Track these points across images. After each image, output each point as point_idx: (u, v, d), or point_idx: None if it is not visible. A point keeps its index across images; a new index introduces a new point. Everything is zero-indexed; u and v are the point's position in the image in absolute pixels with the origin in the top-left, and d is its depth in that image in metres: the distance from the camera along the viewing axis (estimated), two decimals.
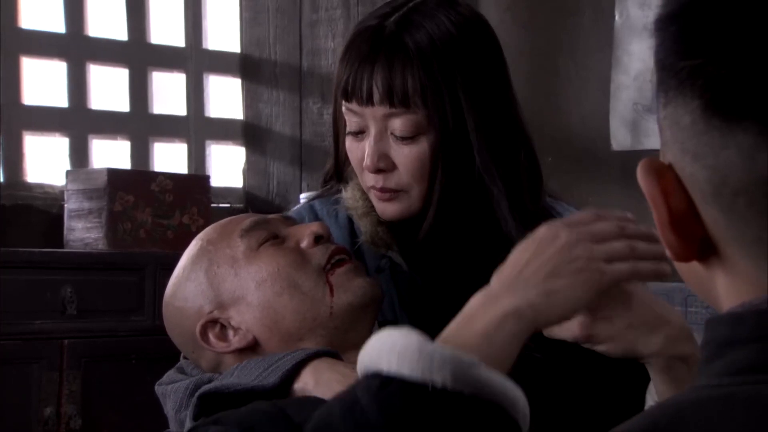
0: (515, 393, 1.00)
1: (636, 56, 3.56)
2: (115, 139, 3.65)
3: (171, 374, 1.45)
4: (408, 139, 1.46)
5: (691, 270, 0.78)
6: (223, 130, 3.85)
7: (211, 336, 1.39)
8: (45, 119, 3.48)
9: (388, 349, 0.99)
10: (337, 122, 1.55)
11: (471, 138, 1.47)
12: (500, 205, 1.47)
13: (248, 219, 1.44)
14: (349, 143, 1.51)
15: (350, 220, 1.57)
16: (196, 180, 3.44)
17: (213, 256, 1.41)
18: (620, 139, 3.62)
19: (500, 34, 1.56)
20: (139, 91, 3.68)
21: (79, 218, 3.17)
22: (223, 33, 3.88)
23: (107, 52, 3.62)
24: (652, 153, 0.79)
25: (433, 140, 1.46)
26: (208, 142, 3.82)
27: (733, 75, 0.69)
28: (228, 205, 3.73)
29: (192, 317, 1.40)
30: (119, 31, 3.65)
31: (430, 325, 1.11)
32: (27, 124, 3.43)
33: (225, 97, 3.87)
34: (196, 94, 3.80)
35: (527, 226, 1.27)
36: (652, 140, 3.42)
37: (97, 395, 2.93)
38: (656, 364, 1.21)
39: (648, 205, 0.77)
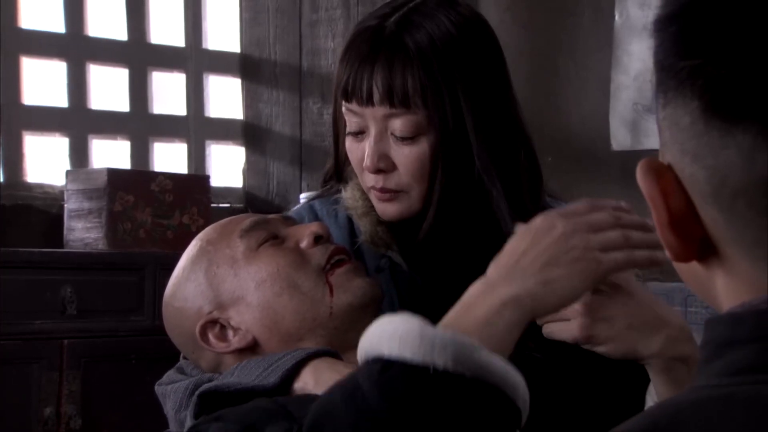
0: (516, 378, 1.00)
1: (636, 56, 3.56)
2: (115, 139, 3.65)
3: (171, 374, 1.45)
4: (408, 139, 1.46)
5: (690, 270, 0.78)
6: (223, 130, 3.85)
7: (210, 336, 1.39)
8: (45, 119, 3.48)
9: (389, 334, 1.00)
10: (337, 122, 1.55)
11: (471, 138, 1.47)
12: (500, 205, 1.47)
13: (248, 219, 1.44)
14: (349, 143, 1.51)
15: (350, 220, 1.57)
16: (196, 180, 3.44)
17: (212, 257, 1.41)
18: (620, 139, 3.62)
19: (500, 34, 1.55)
20: (139, 91, 3.68)
21: (79, 218, 3.17)
22: (223, 33, 3.88)
23: (107, 52, 3.62)
24: (652, 153, 0.79)
25: (433, 140, 1.46)
26: (208, 142, 3.82)
27: (733, 75, 0.69)
28: (228, 205, 3.73)
29: (192, 317, 1.40)
30: (119, 31, 3.65)
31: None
32: (27, 124, 3.43)
33: (225, 97, 3.87)
34: (196, 94, 3.80)
35: None
36: (652, 140, 3.42)
37: (97, 395, 2.93)
38: (656, 365, 1.21)
39: (648, 205, 0.77)
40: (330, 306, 1.38)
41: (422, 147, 1.47)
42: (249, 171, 3.85)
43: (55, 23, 3.52)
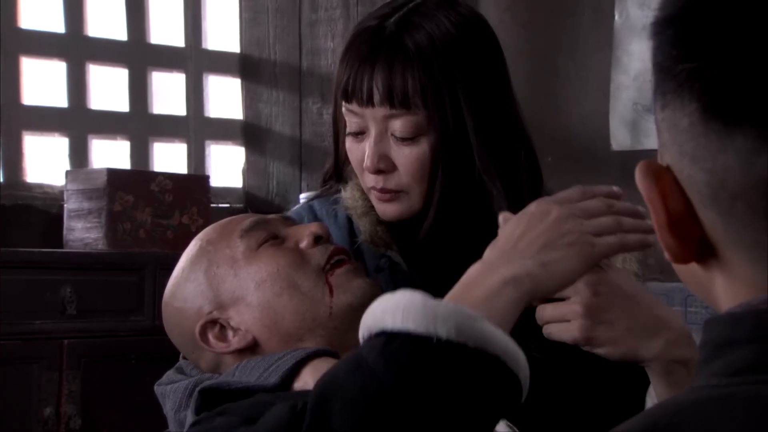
0: (517, 351, 1.02)
1: (636, 56, 3.56)
2: (115, 139, 3.65)
3: (170, 374, 1.45)
4: (408, 140, 1.46)
5: (689, 271, 0.78)
6: (223, 130, 3.85)
7: (210, 336, 1.39)
8: (45, 119, 3.48)
9: (393, 308, 1.02)
10: (337, 122, 1.55)
11: (471, 138, 1.47)
12: (500, 205, 1.47)
13: (248, 219, 1.44)
14: (349, 144, 1.51)
15: (349, 220, 1.57)
16: (196, 180, 3.44)
17: (212, 257, 1.41)
18: (620, 139, 3.62)
19: (500, 34, 1.56)
20: (139, 91, 3.68)
21: (79, 218, 3.17)
22: (223, 33, 3.88)
23: (107, 52, 3.62)
24: (652, 153, 0.79)
25: (433, 141, 1.46)
26: (207, 142, 3.82)
27: (731, 78, 0.69)
28: (228, 205, 3.73)
29: (191, 318, 1.40)
30: (119, 31, 3.65)
31: None
32: (27, 124, 3.43)
33: (225, 97, 3.87)
34: (195, 94, 3.80)
35: None
36: (651, 140, 3.42)
37: (97, 395, 2.93)
38: (656, 368, 1.21)
39: (647, 206, 0.77)
40: (330, 306, 1.38)
41: (422, 147, 1.47)
42: (249, 171, 3.85)
43: (55, 23, 3.52)
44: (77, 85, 3.53)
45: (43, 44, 3.48)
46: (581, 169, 3.62)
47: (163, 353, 1.70)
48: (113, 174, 3.15)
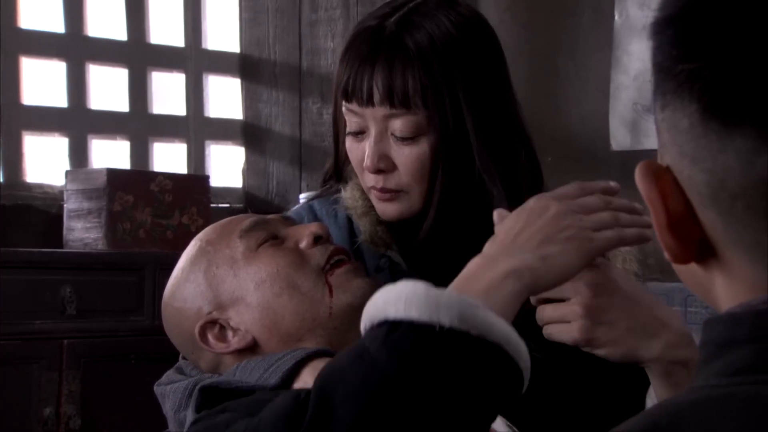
0: (518, 341, 1.03)
1: (635, 56, 3.56)
2: (115, 139, 3.65)
3: (170, 375, 1.45)
4: (408, 139, 1.46)
5: (689, 272, 0.78)
6: (223, 130, 3.85)
7: (210, 337, 1.39)
8: (44, 119, 3.48)
9: (395, 297, 1.02)
10: (337, 122, 1.55)
11: (471, 138, 1.47)
12: (500, 205, 1.47)
13: (247, 219, 1.44)
14: (349, 143, 1.51)
15: (349, 220, 1.57)
16: (196, 180, 3.44)
17: (212, 257, 1.41)
18: (620, 139, 3.62)
19: (500, 34, 1.55)
20: (139, 91, 3.68)
21: (79, 218, 3.17)
22: (223, 33, 3.88)
23: (107, 52, 3.62)
24: (652, 153, 0.79)
25: (433, 141, 1.46)
26: (207, 142, 3.82)
27: (731, 79, 0.69)
28: (227, 205, 3.73)
29: (191, 318, 1.40)
30: (119, 31, 3.65)
31: None
32: (26, 124, 3.43)
33: (224, 97, 3.87)
34: (195, 94, 3.80)
35: None
36: (651, 140, 3.42)
37: (97, 395, 2.93)
38: (656, 369, 1.21)
39: (647, 206, 0.77)
40: (329, 306, 1.38)
41: (422, 147, 1.47)
42: (248, 171, 3.85)
43: (55, 23, 3.52)
44: (77, 85, 3.53)
45: (43, 44, 3.48)
46: (581, 169, 3.62)
47: (162, 353, 1.70)
48: (113, 174, 3.15)
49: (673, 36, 0.73)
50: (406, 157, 1.47)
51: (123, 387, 2.94)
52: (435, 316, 1.00)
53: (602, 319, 1.18)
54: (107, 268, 3.03)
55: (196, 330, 1.39)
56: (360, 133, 1.49)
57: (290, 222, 1.49)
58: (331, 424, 0.99)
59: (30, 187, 3.38)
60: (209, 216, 3.24)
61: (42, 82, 3.50)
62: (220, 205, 3.67)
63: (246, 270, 1.39)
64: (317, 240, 1.42)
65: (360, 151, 1.49)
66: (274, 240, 1.42)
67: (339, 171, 1.60)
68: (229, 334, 1.39)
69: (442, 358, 1.00)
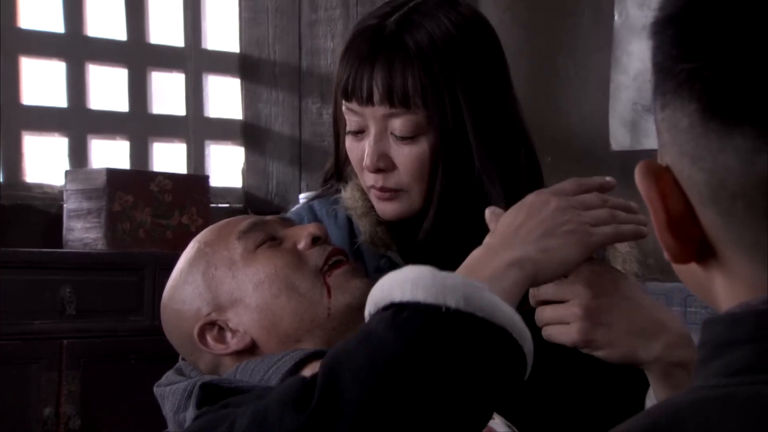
0: (522, 325, 1.04)
1: (635, 56, 3.56)
2: (114, 139, 3.65)
3: (170, 376, 1.45)
4: (408, 139, 1.46)
5: (689, 272, 0.78)
6: (223, 130, 3.85)
7: (209, 338, 1.39)
8: (44, 119, 3.48)
9: (401, 281, 1.04)
10: (338, 122, 1.55)
11: (470, 138, 1.47)
12: (499, 205, 1.47)
13: (245, 221, 1.44)
14: (349, 143, 1.51)
15: (349, 220, 1.57)
16: (196, 180, 3.44)
17: (210, 259, 1.41)
18: (620, 139, 3.62)
19: (500, 34, 1.55)
20: (139, 91, 3.68)
21: (79, 218, 3.17)
22: (223, 33, 3.88)
23: (106, 52, 3.62)
24: (652, 153, 0.79)
25: (432, 140, 1.46)
26: (207, 142, 3.82)
27: (731, 78, 0.69)
28: (227, 205, 3.73)
29: (190, 320, 1.40)
30: (118, 31, 3.65)
31: None
32: (26, 124, 3.43)
33: (224, 97, 3.87)
34: (195, 94, 3.80)
35: None
36: (651, 140, 3.42)
37: (96, 395, 2.93)
38: (655, 371, 1.21)
39: (647, 206, 0.77)
40: (328, 307, 1.38)
41: (422, 147, 1.47)
42: (248, 171, 3.85)
43: (55, 23, 3.52)
44: (77, 85, 3.53)
45: (42, 44, 3.48)
46: (581, 169, 3.61)
47: (162, 353, 1.70)
48: (113, 174, 3.15)
49: (673, 36, 0.73)
50: (406, 156, 1.47)
51: (123, 387, 2.94)
52: (441, 297, 1.01)
53: (601, 321, 1.18)
54: (107, 268, 3.03)
55: (195, 331, 1.39)
56: (360, 133, 1.49)
57: (288, 223, 1.49)
58: (339, 404, 1.00)
59: (30, 187, 3.38)
60: (209, 216, 3.24)
61: (42, 82, 3.50)
62: (220, 205, 3.67)
63: (244, 271, 1.39)
64: (315, 241, 1.42)
65: (360, 151, 1.49)
66: (272, 241, 1.42)
67: (339, 171, 1.60)
68: (228, 335, 1.39)
69: (449, 338, 1.01)
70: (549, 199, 1.17)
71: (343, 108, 1.50)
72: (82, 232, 3.16)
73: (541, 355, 1.11)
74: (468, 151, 1.48)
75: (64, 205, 3.22)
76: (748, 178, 0.70)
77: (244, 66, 3.86)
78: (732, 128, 0.70)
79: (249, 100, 3.86)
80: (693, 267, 0.77)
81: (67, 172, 3.28)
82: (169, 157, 3.76)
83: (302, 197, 2.92)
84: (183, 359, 1.47)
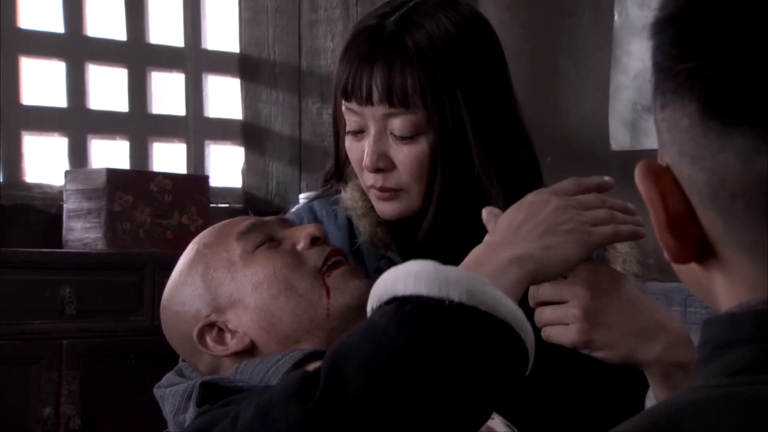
0: (525, 320, 1.05)
1: (635, 56, 3.56)
2: (114, 139, 3.65)
3: (170, 377, 1.45)
4: (407, 138, 1.46)
5: (689, 272, 0.78)
6: (222, 130, 3.85)
7: (208, 339, 1.39)
8: (44, 119, 3.48)
9: (404, 275, 1.05)
10: (337, 122, 1.55)
11: (469, 138, 1.47)
12: (498, 206, 1.47)
13: (244, 222, 1.44)
14: (349, 142, 1.51)
15: (349, 221, 1.57)
16: (195, 180, 3.44)
17: (209, 260, 1.41)
18: (619, 139, 3.62)
19: (500, 34, 1.55)
20: (138, 91, 3.68)
21: (78, 218, 3.17)
22: (222, 33, 3.88)
23: (106, 52, 3.62)
24: (652, 153, 0.79)
25: (432, 140, 1.46)
26: (207, 142, 3.82)
27: (731, 78, 0.69)
28: (227, 206, 3.73)
29: (189, 321, 1.40)
30: (118, 31, 3.65)
31: None
32: (26, 124, 3.43)
33: (224, 97, 3.87)
34: (195, 94, 3.80)
35: None
36: (651, 140, 3.42)
37: (96, 395, 2.93)
38: (655, 372, 1.21)
39: (647, 206, 0.77)
40: (327, 307, 1.38)
41: (421, 146, 1.47)
42: (248, 171, 3.85)
43: (54, 23, 3.51)
44: (76, 85, 3.53)
45: (42, 44, 3.48)
46: (581, 169, 3.61)
47: (162, 353, 1.70)
48: (113, 174, 3.15)
49: (673, 35, 0.73)
50: (405, 156, 1.47)
51: (122, 387, 2.94)
52: (444, 291, 1.02)
53: (600, 322, 1.18)
54: (107, 268, 3.03)
55: (195, 333, 1.39)
56: (359, 132, 1.49)
57: (287, 224, 1.49)
58: (343, 396, 1.01)
59: (29, 187, 3.38)
60: (209, 216, 3.24)
61: (41, 82, 3.50)
62: (220, 205, 3.66)
63: (243, 272, 1.39)
64: (314, 241, 1.42)
65: (359, 150, 1.49)
66: (271, 242, 1.42)
67: (340, 171, 1.60)
68: (228, 336, 1.39)
69: (452, 331, 1.02)
70: (549, 199, 1.18)
71: (343, 108, 1.50)
72: (82, 232, 3.16)
73: (541, 356, 1.11)
74: (467, 151, 1.48)
75: (64, 205, 3.22)
76: (748, 178, 0.70)
77: (244, 66, 3.85)
78: (732, 128, 0.70)
79: (249, 100, 3.86)
80: (693, 267, 0.77)
81: (67, 172, 3.28)
82: (169, 157, 3.76)
83: (302, 197, 2.92)
84: (183, 360, 1.47)
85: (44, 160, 3.47)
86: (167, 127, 3.75)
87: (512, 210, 1.19)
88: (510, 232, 1.15)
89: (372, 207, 1.53)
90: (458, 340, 1.02)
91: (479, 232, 1.49)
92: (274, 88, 3.84)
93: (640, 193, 0.77)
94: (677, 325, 1.22)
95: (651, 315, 1.21)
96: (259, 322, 1.38)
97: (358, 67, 1.46)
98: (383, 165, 1.48)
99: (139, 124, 3.66)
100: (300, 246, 1.42)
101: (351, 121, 1.49)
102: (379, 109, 1.46)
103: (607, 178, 1.25)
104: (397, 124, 1.46)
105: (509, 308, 1.04)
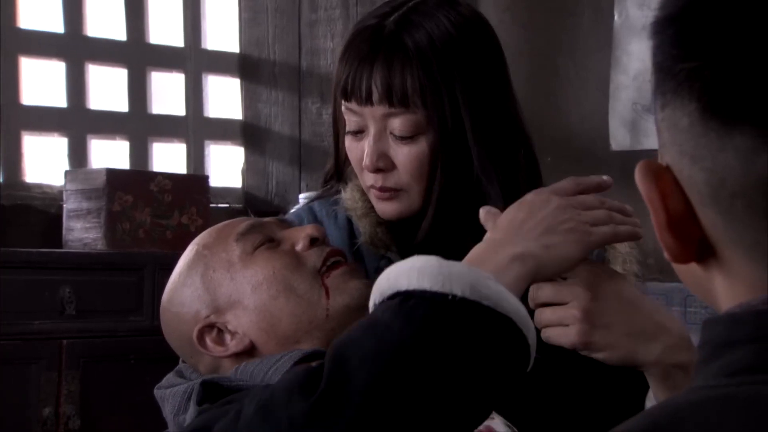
0: (527, 316, 1.06)
1: (635, 56, 3.56)
2: (114, 139, 3.64)
3: (170, 378, 1.45)
4: (407, 138, 1.46)
5: (689, 272, 0.78)
6: (222, 130, 3.85)
7: (208, 340, 1.39)
8: (44, 119, 3.48)
9: (407, 270, 1.06)
10: (337, 122, 1.55)
11: (469, 138, 1.47)
12: (497, 206, 1.47)
13: (243, 223, 1.44)
14: (349, 142, 1.51)
15: (349, 221, 1.57)
16: (195, 180, 3.44)
17: (209, 261, 1.41)
18: (619, 139, 3.62)
19: (500, 34, 1.55)
20: (138, 91, 3.67)
21: (78, 218, 3.17)
22: (222, 33, 3.88)
23: (106, 52, 3.62)
24: (652, 153, 0.79)
25: (432, 140, 1.46)
26: (207, 142, 3.82)
27: (731, 78, 0.69)
28: (227, 206, 3.73)
29: (189, 322, 1.40)
30: (118, 31, 3.65)
31: None
32: (26, 124, 3.43)
33: (224, 97, 3.87)
34: (195, 94, 3.80)
35: None
36: (651, 140, 3.42)
37: (96, 395, 2.93)
38: (655, 373, 1.20)
39: (647, 206, 0.77)
40: (326, 308, 1.38)
41: (421, 146, 1.47)
42: (248, 171, 3.85)
43: (54, 23, 3.51)
44: (76, 85, 3.53)
45: (42, 44, 3.48)
46: (581, 169, 3.59)
47: (162, 353, 1.70)
48: (112, 174, 3.15)
49: (673, 35, 0.73)
50: (405, 156, 1.47)
51: (122, 387, 2.94)
52: (447, 285, 1.03)
53: (600, 323, 1.18)
54: (106, 268, 3.03)
55: (194, 334, 1.39)
56: (359, 132, 1.49)
57: (286, 224, 1.49)
58: (346, 390, 1.01)
59: (29, 187, 3.38)
60: (209, 216, 3.24)
61: (41, 82, 3.50)
62: (220, 205, 3.66)
63: (243, 273, 1.39)
64: (313, 242, 1.42)
65: (359, 150, 1.49)
66: (271, 243, 1.42)
67: (340, 171, 1.60)
68: (227, 337, 1.39)
69: (455, 326, 1.02)
70: (549, 198, 1.19)
71: (343, 108, 1.50)
72: (81, 232, 3.16)
73: (541, 357, 1.12)
74: (467, 151, 1.48)
75: (64, 205, 3.22)
76: (748, 178, 0.70)
77: (243, 66, 3.85)
78: (732, 128, 0.70)
79: (249, 100, 3.86)
80: (693, 267, 0.77)
81: (66, 172, 3.28)
82: (168, 157, 3.75)
83: (302, 197, 2.92)
84: (183, 361, 1.47)
85: (44, 160, 3.47)
86: (167, 127, 3.75)
87: (513, 208, 1.19)
88: (511, 230, 1.16)
89: (372, 207, 1.53)
90: (461, 334, 1.02)
91: (479, 232, 1.49)
92: (274, 88, 3.84)
93: (640, 193, 0.77)
94: (677, 326, 1.22)
95: (651, 316, 1.21)
96: (258, 322, 1.38)
97: (358, 67, 1.46)
98: (383, 165, 1.48)
99: (139, 124, 3.66)
100: (299, 247, 1.42)
101: (351, 121, 1.49)
102: (379, 109, 1.46)
103: (605, 177, 1.26)
104: (397, 124, 1.46)
105: (512, 304, 1.05)
